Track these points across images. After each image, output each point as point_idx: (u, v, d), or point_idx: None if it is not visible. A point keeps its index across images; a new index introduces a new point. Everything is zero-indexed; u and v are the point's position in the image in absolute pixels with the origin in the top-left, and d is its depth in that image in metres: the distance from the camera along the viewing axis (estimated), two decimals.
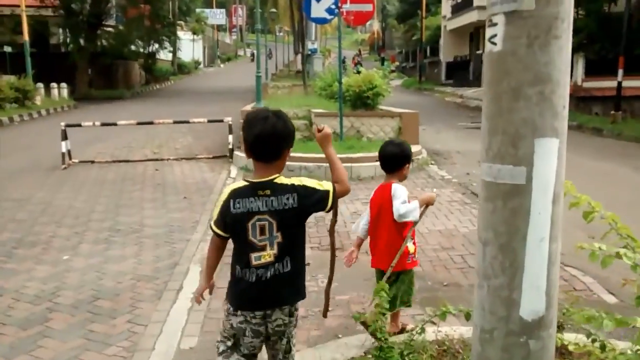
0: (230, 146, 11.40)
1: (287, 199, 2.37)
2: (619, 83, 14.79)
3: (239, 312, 2.46)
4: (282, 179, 2.42)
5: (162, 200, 8.39)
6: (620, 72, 14.69)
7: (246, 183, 2.42)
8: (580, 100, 18.92)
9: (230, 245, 2.56)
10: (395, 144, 3.80)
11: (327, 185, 2.47)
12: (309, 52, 25.54)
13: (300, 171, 9.85)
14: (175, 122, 12.22)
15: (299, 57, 27.37)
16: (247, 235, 2.37)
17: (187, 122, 12.20)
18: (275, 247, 2.39)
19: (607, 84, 16.69)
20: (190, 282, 5.29)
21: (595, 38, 18.58)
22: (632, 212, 7.08)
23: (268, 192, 2.37)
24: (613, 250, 2.38)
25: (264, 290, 2.41)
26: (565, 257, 5.98)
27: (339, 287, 5.16)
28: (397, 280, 3.76)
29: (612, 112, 15.19)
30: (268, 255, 2.38)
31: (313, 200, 2.42)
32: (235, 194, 2.39)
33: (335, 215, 2.69)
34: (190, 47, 44.41)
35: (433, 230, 6.64)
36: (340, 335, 4.19)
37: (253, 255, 2.38)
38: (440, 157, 11.57)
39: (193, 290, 5.07)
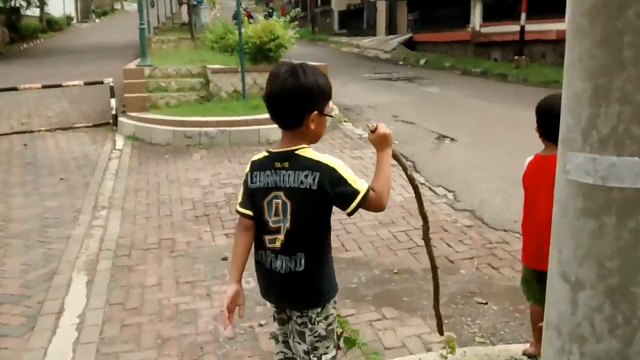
0: (114, 111, 9.83)
1: (306, 176, 1.94)
2: (522, 27, 14.53)
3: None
4: (307, 152, 1.99)
5: (34, 184, 6.86)
6: (524, 15, 14.41)
7: (266, 154, 2.05)
8: (478, 46, 18.74)
9: None
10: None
11: (361, 185, 1.95)
12: (195, 3, 23.50)
13: (199, 137, 8.60)
14: (44, 87, 10.36)
15: (184, 8, 25.18)
16: (262, 215, 2.02)
17: (60, 85, 10.40)
18: (283, 233, 1.99)
19: (506, 28, 16.49)
20: (74, 300, 4.04)
21: None
22: None
23: (287, 164, 1.97)
24: None
25: (275, 283, 2.07)
26: (519, 225, 5.37)
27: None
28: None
29: (516, 57, 14.97)
30: (278, 239, 2.01)
31: (337, 191, 1.94)
32: (255, 167, 2.06)
33: (425, 219, 2.34)
34: (60, 0, 40.19)
35: None
36: None
37: (267, 238, 2.03)
38: (352, 113, 10.68)
39: (78, 313, 3.85)
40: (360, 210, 1.99)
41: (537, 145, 2.79)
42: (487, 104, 11.00)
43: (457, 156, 7.46)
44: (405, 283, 4.17)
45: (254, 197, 2.04)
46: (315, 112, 1.98)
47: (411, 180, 2.32)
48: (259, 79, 10.42)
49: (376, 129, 2.07)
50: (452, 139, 8.36)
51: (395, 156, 2.14)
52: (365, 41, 26.51)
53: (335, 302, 2.15)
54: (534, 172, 2.70)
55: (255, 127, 8.73)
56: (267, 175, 2.00)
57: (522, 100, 11.37)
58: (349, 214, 1.98)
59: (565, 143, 1.37)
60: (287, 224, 1.99)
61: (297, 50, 15.06)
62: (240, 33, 9.93)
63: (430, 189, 6.25)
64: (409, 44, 23.31)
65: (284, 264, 2.01)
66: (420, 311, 3.77)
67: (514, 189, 6.26)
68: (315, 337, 2.08)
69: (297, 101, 1.94)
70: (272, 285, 2.09)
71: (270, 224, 2.01)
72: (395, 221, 5.32)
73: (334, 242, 4.89)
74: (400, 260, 4.56)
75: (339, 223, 5.31)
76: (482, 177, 6.48)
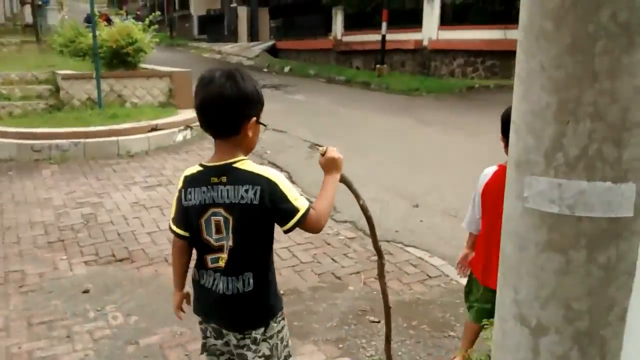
0: None
1: (247, 191, 1.84)
2: (383, 37, 14.95)
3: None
4: (246, 164, 1.88)
5: None
6: (384, 25, 14.82)
7: (200, 168, 1.92)
8: (341, 54, 19.09)
9: None
10: None
11: (301, 203, 1.88)
12: (40, 2, 21.65)
13: (49, 151, 7.73)
14: None
15: (28, 8, 23.15)
16: (201, 234, 1.90)
17: None
18: (226, 251, 1.89)
19: (367, 37, 16.94)
20: None
21: None
22: (439, 167, 6.74)
23: (224, 179, 1.86)
24: None
25: (217, 305, 1.94)
26: (400, 235, 5.35)
27: (139, 322, 3.67)
28: None
29: (377, 65, 15.39)
30: (222, 259, 1.90)
31: (276, 207, 1.85)
32: (188, 182, 1.92)
33: (380, 254, 2.27)
34: None
35: None
36: None
37: (209, 257, 1.92)
38: None
39: None
40: None
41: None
42: (355, 112, 11.11)
43: None
44: (293, 305, 3.89)
45: (189, 216, 1.92)
46: (253, 119, 1.87)
47: (364, 210, 2.18)
48: (116, 86, 9.66)
49: (326, 152, 2.00)
50: None
51: (346, 183, 2.04)
52: (227, 47, 26.06)
53: (282, 316, 2.07)
54: (501, 185, 2.56)
55: (114, 138, 8.02)
56: (203, 192, 1.88)
57: (387, 107, 11.66)
58: (286, 232, 1.90)
59: (522, 166, 1.17)
60: (230, 242, 1.87)
61: (156, 55, 14.34)
62: (94, 36, 9.12)
63: (309, 200, 6.03)
64: (272, 51, 23.26)
65: (230, 285, 1.90)
66: (312, 336, 3.52)
67: (391, 198, 6.27)
68: (260, 357, 1.97)
69: (236, 107, 1.82)
70: (215, 307, 1.96)
71: (213, 242, 1.90)
72: (277, 237, 5.03)
73: None
74: (285, 279, 4.28)
75: None
76: (359, 187, 6.39)
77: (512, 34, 13.92)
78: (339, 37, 19.14)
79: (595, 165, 1.06)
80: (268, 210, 1.83)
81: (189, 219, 1.91)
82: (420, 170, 7.09)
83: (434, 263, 4.49)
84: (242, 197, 1.83)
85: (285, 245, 4.87)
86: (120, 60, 9.95)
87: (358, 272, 4.36)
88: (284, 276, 4.33)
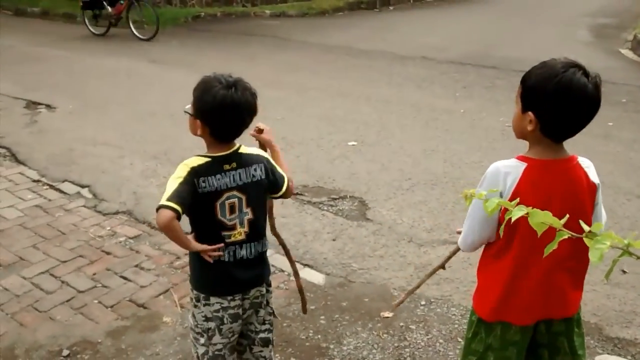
0: None
1: (255, 170, 2.07)
2: None
3: (212, 300, 2.09)
4: (243, 149, 2.08)
5: None
6: None
7: (208, 159, 2.02)
8: None
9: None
10: (592, 80, 1.62)
11: (283, 172, 2.18)
12: None
13: None
14: None
15: None
16: (215, 215, 2.02)
17: None
18: (246, 224, 2.06)
19: None
20: None
21: None
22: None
23: (234, 164, 2.04)
24: None
25: (242, 271, 2.09)
26: None
27: None
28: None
29: None
30: (239, 233, 2.06)
31: (275, 178, 2.12)
32: (198, 172, 1.99)
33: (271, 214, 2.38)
34: None
35: None
36: None
37: (224, 234, 2.04)
38: None
39: None
40: None
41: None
42: (70, 54, 9.03)
43: (68, 131, 5.64)
44: None
45: (202, 202, 1.98)
46: None
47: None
48: None
49: (261, 130, 2.19)
50: (49, 106, 6.39)
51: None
52: None
53: None
54: (538, 189, 1.69)
55: None
56: (218, 179, 1.99)
57: (112, 46, 9.79)
58: (279, 197, 2.17)
59: None
60: (249, 216, 2.04)
61: None
62: None
63: (53, 187, 4.44)
64: None
65: (252, 250, 2.09)
66: None
67: (171, 168, 4.95)
68: (269, 305, 2.23)
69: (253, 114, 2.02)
70: (240, 274, 2.08)
71: (226, 222, 2.02)
72: (23, 256, 3.49)
73: None
74: (64, 327, 2.91)
75: None
76: (118, 158, 4.98)
77: None
78: None
79: None
80: (270, 181, 2.09)
81: (203, 204, 1.97)
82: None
83: None
84: (254, 176, 2.04)
85: (43, 268, 3.39)
86: None
87: (167, 291, 3.20)
88: (59, 322, 2.95)
